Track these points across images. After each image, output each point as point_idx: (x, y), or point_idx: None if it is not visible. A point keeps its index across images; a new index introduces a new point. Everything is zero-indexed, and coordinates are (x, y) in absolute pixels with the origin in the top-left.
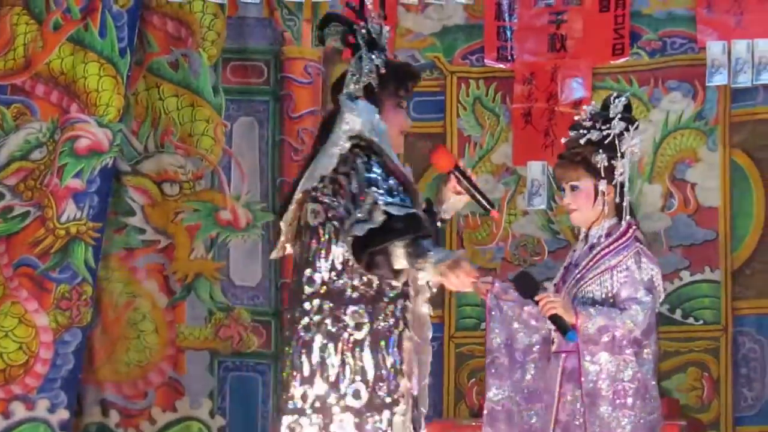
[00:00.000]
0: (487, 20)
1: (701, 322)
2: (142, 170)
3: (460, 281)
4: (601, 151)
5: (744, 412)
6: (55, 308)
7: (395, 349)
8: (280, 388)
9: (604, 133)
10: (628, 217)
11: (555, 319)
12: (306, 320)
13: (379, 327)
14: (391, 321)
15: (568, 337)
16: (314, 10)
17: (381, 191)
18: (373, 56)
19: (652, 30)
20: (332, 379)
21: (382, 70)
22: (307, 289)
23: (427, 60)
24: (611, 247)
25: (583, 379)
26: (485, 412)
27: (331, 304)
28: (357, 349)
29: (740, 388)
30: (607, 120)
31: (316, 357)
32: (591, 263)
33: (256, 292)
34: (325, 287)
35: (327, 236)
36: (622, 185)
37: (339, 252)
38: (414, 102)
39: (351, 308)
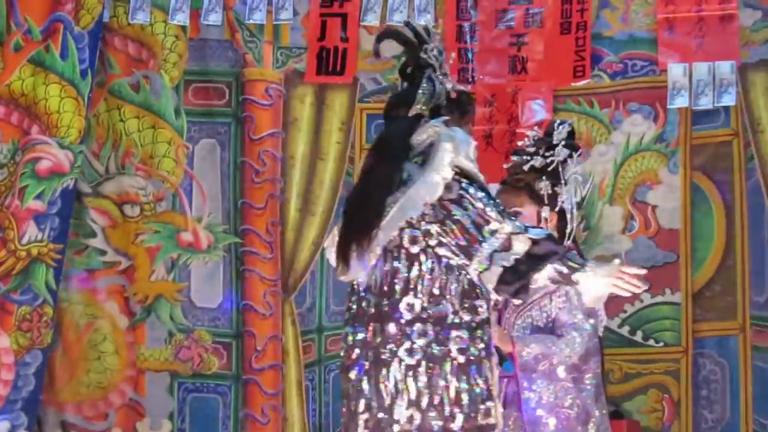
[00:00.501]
0: (448, 42)
1: (662, 344)
2: (103, 192)
3: (631, 283)
4: (544, 177)
5: None
6: (17, 330)
7: (489, 374)
8: (376, 409)
9: (548, 160)
10: (568, 242)
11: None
12: (408, 344)
13: (476, 352)
14: (481, 346)
15: (505, 367)
16: (275, 32)
17: (504, 216)
18: (442, 78)
19: (614, 52)
20: (436, 402)
21: (453, 95)
22: (407, 315)
23: (388, 82)
24: None
25: (523, 407)
26: None
27: (436, 329)
28: (460, 373)
29: (701, 410)
30: (551, 146)
31: (422, 380)
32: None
33: (216, 314)
34: (426, 312)
35: (429, 263)
36: (564, 212)
37: (438, 277)
38: (375, 124)
39: (453, 333)
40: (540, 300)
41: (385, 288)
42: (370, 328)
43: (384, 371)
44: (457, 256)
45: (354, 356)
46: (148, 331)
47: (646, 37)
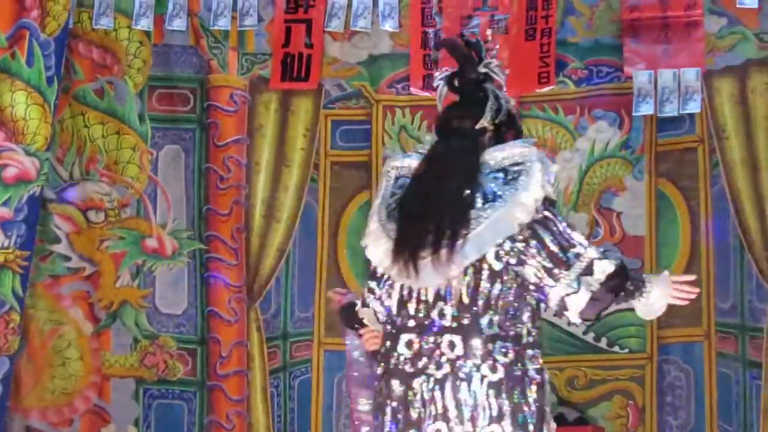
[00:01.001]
0: (413, 49)
1: (627, 350)
2: (68, 198)
3: (687, 291)
4: None
5: None
6: None
7: (551, 392)
8: (454, 423)
9: None
10: None
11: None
12: (491, 361)
13: (543, 370)
14: (541, 362)
15: None
16: (240, 38)
17: (586, 241)
18: (504, 94)
19: (579, 59)
20: (521, 420)
21: (513, 111)
22: (488, 330)
23: (353, 89)
24: None
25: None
26: (355, 423)
27: (515, 348)
28: (537, 391)
29: (666, 416)
30: None
31: (505, 398)
32: None
33: (181, 320)
34: (505, 330)
35: (510, 281)
36: None
37: (516, 296)
38: (340, 130)
39: (529, 352)
40: None
41: (466, 301)
42: (446, 340)
43: (464, 385)
44: (539, 277)
45: (420, 365)
46: (113, 337)
47: (611, 43)
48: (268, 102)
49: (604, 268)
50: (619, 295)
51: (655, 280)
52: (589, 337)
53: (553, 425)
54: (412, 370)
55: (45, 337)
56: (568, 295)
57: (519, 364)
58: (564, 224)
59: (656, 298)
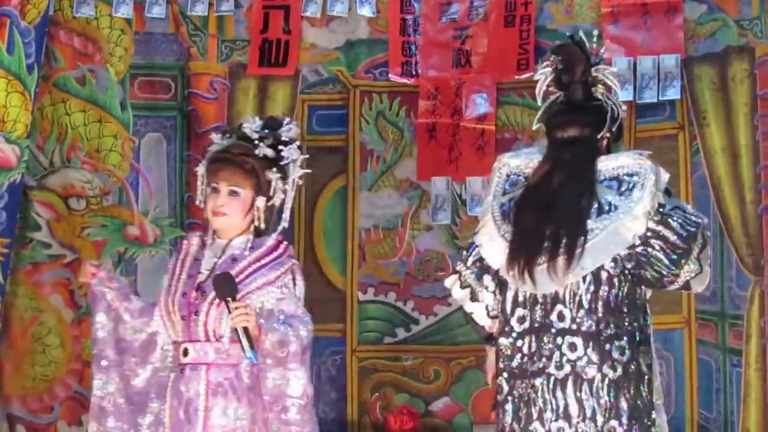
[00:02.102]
0: (391, 35)
1: None
2: (48, 185)
3: None
4: (275, 169)
5: None
6: None
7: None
8: (577, 420)
9: (283, 155)
10: (275, 234)
11: (245, 332)
12: (610, 361)
13: (652, 363)
14: (652, 355)
15: (252, 355)
16: (219, 24)
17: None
18: (616, 100)
19: None
20: (637, 415)
21: (624, 115)
22: (607, 331)
23: (330, 74)
24: (264, 261)
25: (266, 395)
26: (92, 408)
27: (631, 346)
28: (649, 384)
29: None
30: (281, 141)
31: (625, 394)
32: (245, 277)
33: None
34: (622, 329)
35: (626, 284)
36: (279, 207)
37: (631, 296)
38: (316, 115)
39: (642, 348)
40: (260, 289)
41: (585, 305)
42: (566, 342)
43: (586, 384)
44: (661, 273)
45: (540, 365)
46: None
47: (591, 30)
48: (246, 88)
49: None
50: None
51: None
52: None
53: (664, 416)
54: (532, 369)
55: (25, 324)
56: (692, 277)
57: (634, 362)
58: (679, 212)
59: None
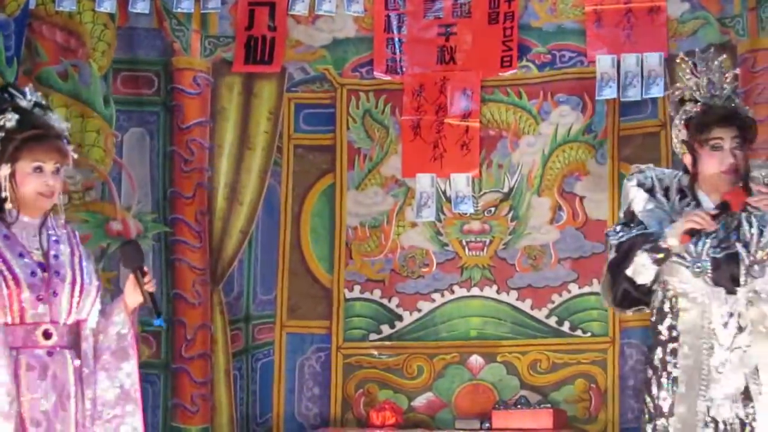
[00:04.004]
0: (376, 32)
1: (589, 334)
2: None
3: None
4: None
5: (631, 423)
6: None
7: None
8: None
9: None
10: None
11: (153, 298)
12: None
13: None
14: None
15: (160, 322)
16: (203, 21)
17: None
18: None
19: (542, 43)
20: None
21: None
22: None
23: (317, 72)
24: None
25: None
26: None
27: None
28: None
29: (627, 399)
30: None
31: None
32: None
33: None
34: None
35: None
36: None
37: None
38: (304, 114)
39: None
40: None
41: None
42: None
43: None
44: None
45: None
46: None
47: (575, 28)
48: (231, 85)
49: None
50: None
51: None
52: (552, 321)
53: None
54: None
55: None
56: None
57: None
58: None
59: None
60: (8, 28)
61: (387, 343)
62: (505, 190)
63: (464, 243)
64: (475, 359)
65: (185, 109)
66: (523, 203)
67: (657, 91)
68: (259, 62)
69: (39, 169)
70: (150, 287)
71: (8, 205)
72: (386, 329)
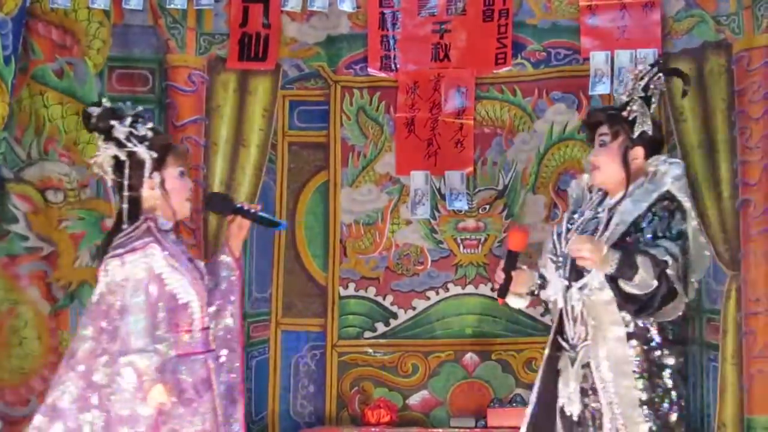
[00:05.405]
0: (370, 29)
1: None
2: (25, 177)
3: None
4: None
5: None
6: None
7: None
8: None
9: None
10: None
11: (264, 216)
12: None
13: None
14: None
15: (284, 225)
16: (198, 18)
17: None
18: None
19: (537, 40)
20: None
21: None
22: None
23: (311, 69)
24: None
25: None
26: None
27: None
28: None
29: None
30: None
31: None
32: None
33: None
34: None
35: None
36: None
37: None
38: (298, 111)
39: None
40: None
41: None
42: None
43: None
44: None
45: None
46: (71, 317)
47: (569, 25)
48: (226, 82)
49: None
50: None
51: None
52: (547, 319)
53: None
54: None
55: (2, 316)
56: None
57: None
58: None
59: None
60: (6, 27)
61: (382, 341)
62: (500, 187)
63: (459, 241)
64: (470, 357)
65: (180, 106)
66: (518, 201)
67: None
68: (253, 59)
69: (182, 174)
70: (256, 208)
71: (158, 213)
72: (381, 327)
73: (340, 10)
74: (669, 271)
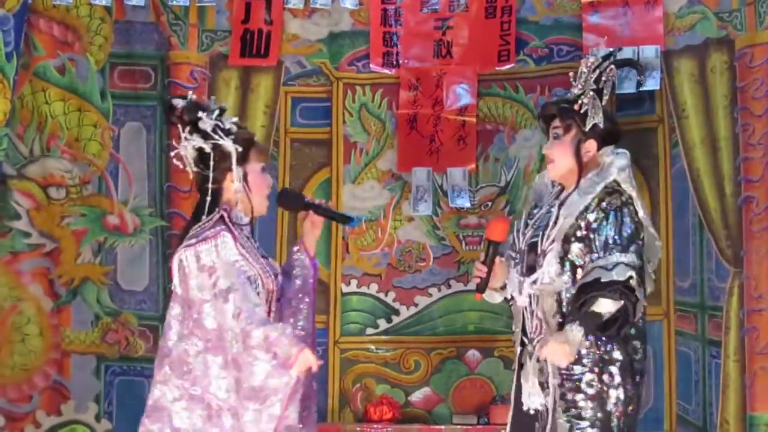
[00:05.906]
0: (372, 25)
1: None
2: (28, 174)
3: None
4: None
5: None
6: None
7: None
8: None
9: None
10: None
11: (335, 211)
12: None
13: None
14: None
15: (356, 222)
16: (200, 14)
17: None
18: None
19: (539, 37)
20: None
21: None
22: None
23: (313, 66)
24: None
25: None
26: None
27: None
28: None
29: None
30: None
31: None
32: None
33: (143, 297)
34: None
35: None
36: None
37: None
38: (300, 108)
39: None
40: None
41: None
42: None
43: None
44: None
45: None
46: (73, 313)
47: (572, 22)
48: (228, 79)
49: None
50: None
51: None
52: None
53: None
54: None
55: (4, 313)
56: None
57: None
58: None
59: None
60: (7, 23)
61: (384, 337)
62: (502, 184)
63: (461, 237)
64: (473, 354)
65: None
66: (520, 197)
67: (653, 84)
68: (255, 56)
69: (264, 170)
70: (328, 204)
71: (239, 207)
72: (383, 324)
73: (343, 6)
74: (631, 283)
